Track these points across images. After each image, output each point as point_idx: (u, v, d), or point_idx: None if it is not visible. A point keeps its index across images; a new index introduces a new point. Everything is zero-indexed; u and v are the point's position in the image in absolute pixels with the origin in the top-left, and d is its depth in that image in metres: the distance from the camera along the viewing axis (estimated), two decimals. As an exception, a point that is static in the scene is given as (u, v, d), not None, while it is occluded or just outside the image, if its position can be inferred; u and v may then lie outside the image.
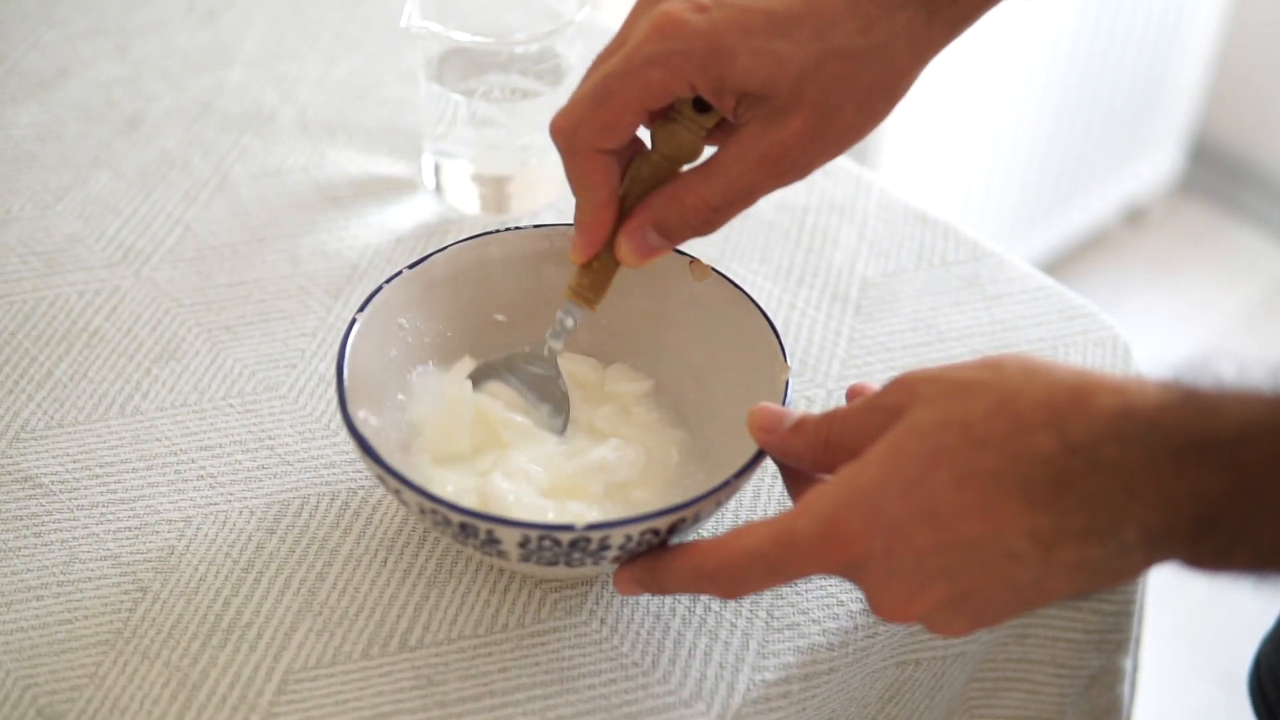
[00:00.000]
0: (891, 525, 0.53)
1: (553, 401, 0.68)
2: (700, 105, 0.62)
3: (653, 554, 0.60)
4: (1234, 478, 0.48)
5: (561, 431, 0.68)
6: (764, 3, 0.59)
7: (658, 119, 0.63)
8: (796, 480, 0.62)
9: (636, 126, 0.62)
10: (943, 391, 0.54)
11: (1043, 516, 0.51)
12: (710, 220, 0.63)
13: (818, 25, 0.59)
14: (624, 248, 0.64)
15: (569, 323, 0.67)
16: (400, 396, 0.68)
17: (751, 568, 0.56)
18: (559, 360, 0.68)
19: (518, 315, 0.71)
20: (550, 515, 0.64)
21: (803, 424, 0.60)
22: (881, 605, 0.55)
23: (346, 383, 0.63)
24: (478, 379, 0.68)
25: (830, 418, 0.59)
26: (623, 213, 0.64)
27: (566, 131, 0.61)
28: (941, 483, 0.52)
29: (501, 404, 0.68)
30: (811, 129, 0.60)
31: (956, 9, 0.62)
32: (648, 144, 0.64)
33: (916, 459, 0.53)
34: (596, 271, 0.65)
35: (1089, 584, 0.52)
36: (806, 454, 0.59)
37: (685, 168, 0.63)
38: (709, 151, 0.63)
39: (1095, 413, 0.50)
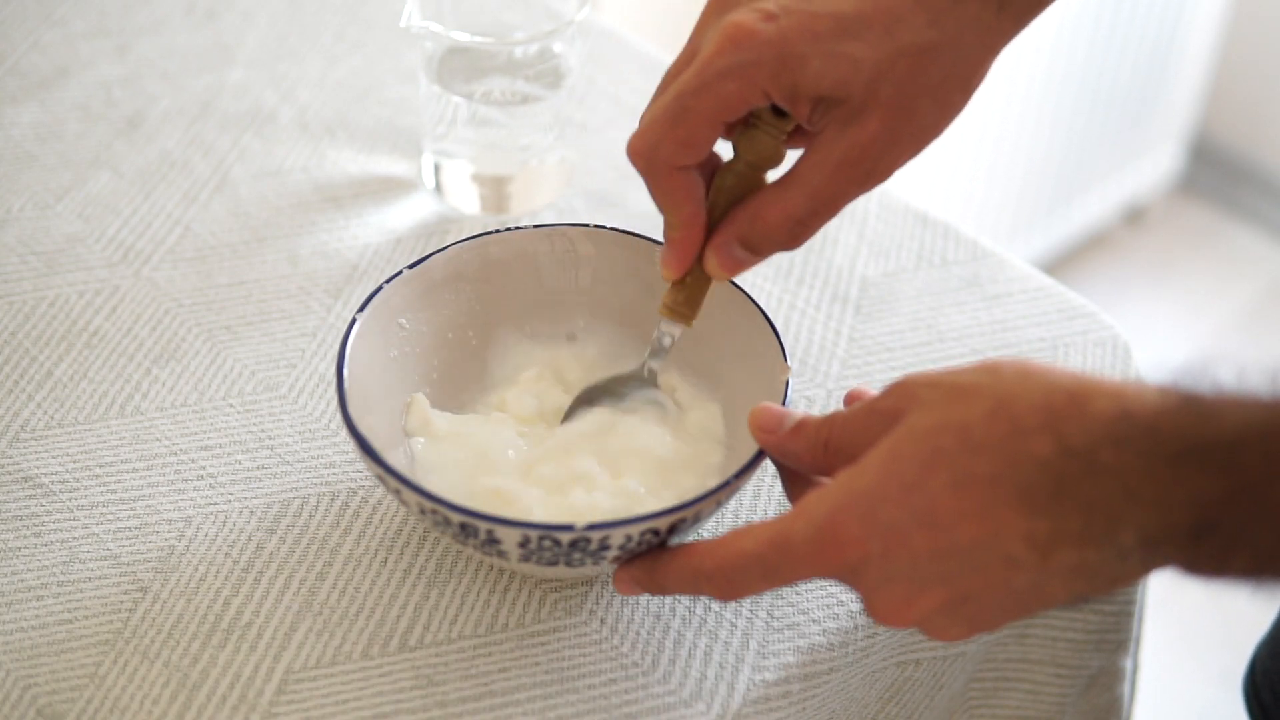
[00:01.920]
0: (888, 529, 0.53)
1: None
2: (779, 110, 0.61)
3: (652, 554, 0.60)
4: (1232, 482, 0.48)
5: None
6: (832, 5, 0.59)
7: (737, 127, 0.62)
8: (795, 483, 0.62)
9: (715, 140, 0.61)
10: (941, 396, 0.54)
11: (1040, 520, 0.51)
12: (795, 234, 0.62)
13: (887, 23, 0.58)
14: (711, 262, 0.63)
15: (667, 341, 0.67)
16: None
17: (748, 570, 0.56)
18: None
19: (518, 315, 0.71)
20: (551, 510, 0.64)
21: (803, 426, 0.60)
22: (878, 609, 0.55)
23: (346, 383, 0.63)
24: (579, 404, 0.68)
25: (830, 420, 0.59)
26: (710, 223, 0.63)
27: (645, 153, 0.61)
28: (939, 486, 0.52)
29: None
30: (888, 129, 0.60)
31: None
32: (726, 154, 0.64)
33: (914, 463, 0.53)
34: (690, 287, 0.65)
35: (1087, 589, 0.52)
36: (806, 456, 0.59)
37: (770, 174, 0.63)
38: (794, 156, 0.62)
39: (1093, 417, 0.50)
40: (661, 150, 0.60)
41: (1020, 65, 1.75)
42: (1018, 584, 0.52)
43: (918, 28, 0.59)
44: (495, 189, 0.84)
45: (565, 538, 0.58)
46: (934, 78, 0.60)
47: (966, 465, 0.52)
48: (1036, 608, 0.54)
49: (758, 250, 0.63)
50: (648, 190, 0.62)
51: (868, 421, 0.56)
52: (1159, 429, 0.49)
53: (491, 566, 0.67)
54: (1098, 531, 0.50)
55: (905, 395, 0.55)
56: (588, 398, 0.68)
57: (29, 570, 0.66)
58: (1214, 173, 2.22)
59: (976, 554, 0.52)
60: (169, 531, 0.68)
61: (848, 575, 0.55)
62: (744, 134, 0.62)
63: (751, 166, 0.62)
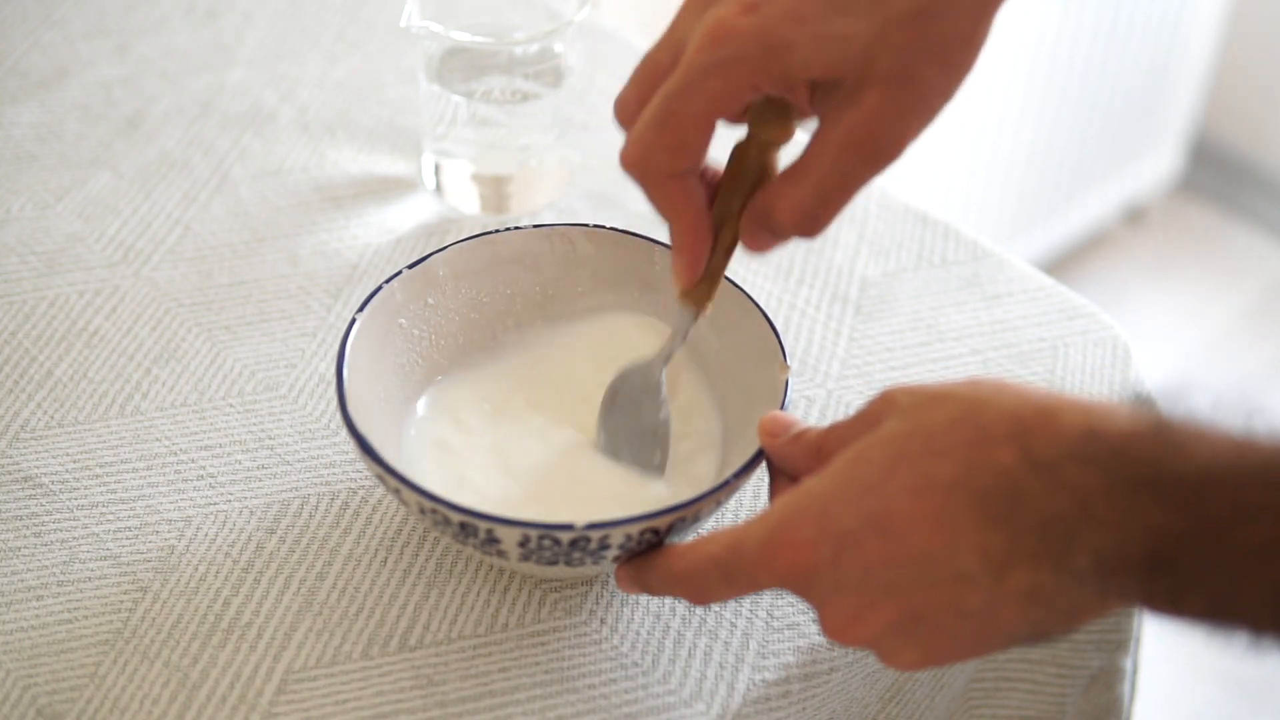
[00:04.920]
0: (841, 533, 0.52)
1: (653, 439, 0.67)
2: None
3: (647, 554, 0.60)
4: (1191, 521, 0.47)
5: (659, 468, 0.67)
6: None
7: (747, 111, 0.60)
8: (779, 489, 0.61)
9: (708, 141, 0.59)
10: (915, 403, 0.53)
11: (995, 534, 0.50)
12: (809, 225, 0.59)
13: None
14: (746, 243, 0.61)
15: (689, 329, 0.65)
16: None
17: (709, 573, 0.56)
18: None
19: (518, 315, 0.71)
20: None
21: (805, 433, 0.60)
22: (829, 622, 0.54)
23: (346, 383, 0.63)
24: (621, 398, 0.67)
25: (829, 428, 0.58)
26: (739, 204, 0.61)
27: (637, 161, 0.59)
28: (896, 490, 0.51)
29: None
30: (891, 101, 0.56)
31: None
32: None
33: (876, 467, 0.52)
34: (708, 276, 0.63)
35: (1043, 619, 0.51)
36: (801, 461, 0.59)
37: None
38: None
39: (1061, 432, 0.49)
40: (653, 158, 0.59)
41: (1020, 65, 1.75)
42: (970, 605, 0.51)
43: None
44: (495, 189, 0.84)
45: (565, 537, 0.58)
46: (933, 40, 0.56)
47: (927, 469, 0.51)
48: (993, 639, 0.52)
49: (781, 237, 0.61)
50: (646, 199, 0.61)
51: (853, 427, 0.56)
52: (1125, 452, 0.48)
53: (491, 566, 0.67)
54: (1053, 551, 0.49)
55: (885, 402, 0.55)
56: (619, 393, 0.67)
57: (29, 570, 0.66)
58: (1214, 173, 2.22)
59: (929, 567, 0.51)
60: (169, 531, 0.68)
61: (799, 584, 0.54)
62: (754, 111, 0.60)
63: (764, 145, 0.61)
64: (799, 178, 0.59)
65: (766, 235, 0.61)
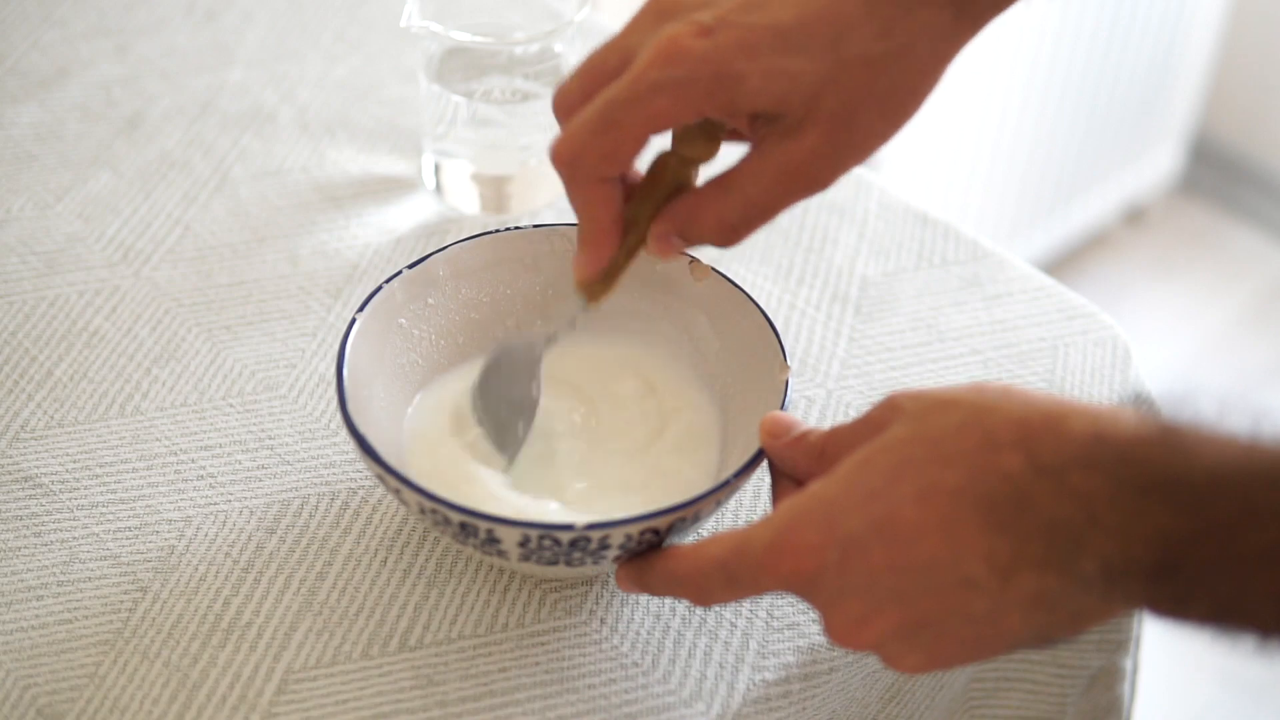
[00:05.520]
0: (847, 538, 0.52)
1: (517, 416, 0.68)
2: None
3: (646, 554, 0.60)
4: (1198, 524, 0.47)
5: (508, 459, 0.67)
6: (772, 16, 0.57)
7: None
8: (781, 490, 0.61)
9: (640, 152, 0.60)
10: (921, 408, 0.53)
11: (1001, 539, 0.50)
12: (729, 238, 0.62)
13: (832, 35, 0.57)
14: (651, 246, 0.63)
15: (578, 320, 0.66)
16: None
17: (713, 576, 0.56)
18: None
19: (518, 315, 0.71)
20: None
21: (807, 435, 0.60)
22: (834, 626, 0.54)
23: (346, 383, 0.63)
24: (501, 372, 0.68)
25: (832, 432, 0.58)
26: (650, 211, 0.63)
27: (569, 160, 0.60)
28: (902, 496, 0.51)
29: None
30: (829, 142, 0.58)
31: (985, 1, 0.59)
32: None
33: (882, 472, 0.52)
34: (608, 273, 0.65)
35: (1047, 623, 0.51)
36: (802, 463, 0.59)
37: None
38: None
39: (1067, 437, 0.49)
40: (586, 159, 0.60)
41: (1021, 66, 1.75)
42: (976, 610, 0.51)
43: (866, 39, 0.57)
44: (495, 189, 0.84)
45: (565, 537, 0.58)
46: (881, 89, 0.58)
47: (933, 475, 0.51)
48: (997, 644, 0.52)
49: (693, 243, 0.63)
50: (566, 193, 0.62)
51: (856, 432, 0.56)
52: (1131, 456, 0.48)
53: (491, 566, 0.67)
54: (1059, 556, 0.49)
55: (891, 407, 0.55)
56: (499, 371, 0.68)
57: (29, 570, 0.66)
58: (1214, 173, 2.22)
59: (935, 573, 0.51)
60: (169, 531, 0.68)
61: (804, 587, 0.54)
62: (683, 129, 0.62)
63: (685, 161, 0.63)
64: (726, 193, 0.60)
65: (677, 242, 0.63)
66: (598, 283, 0.65)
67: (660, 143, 0.63)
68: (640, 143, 0.59)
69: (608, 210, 0.62)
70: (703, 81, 0.57)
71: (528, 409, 0.67)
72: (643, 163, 0.64)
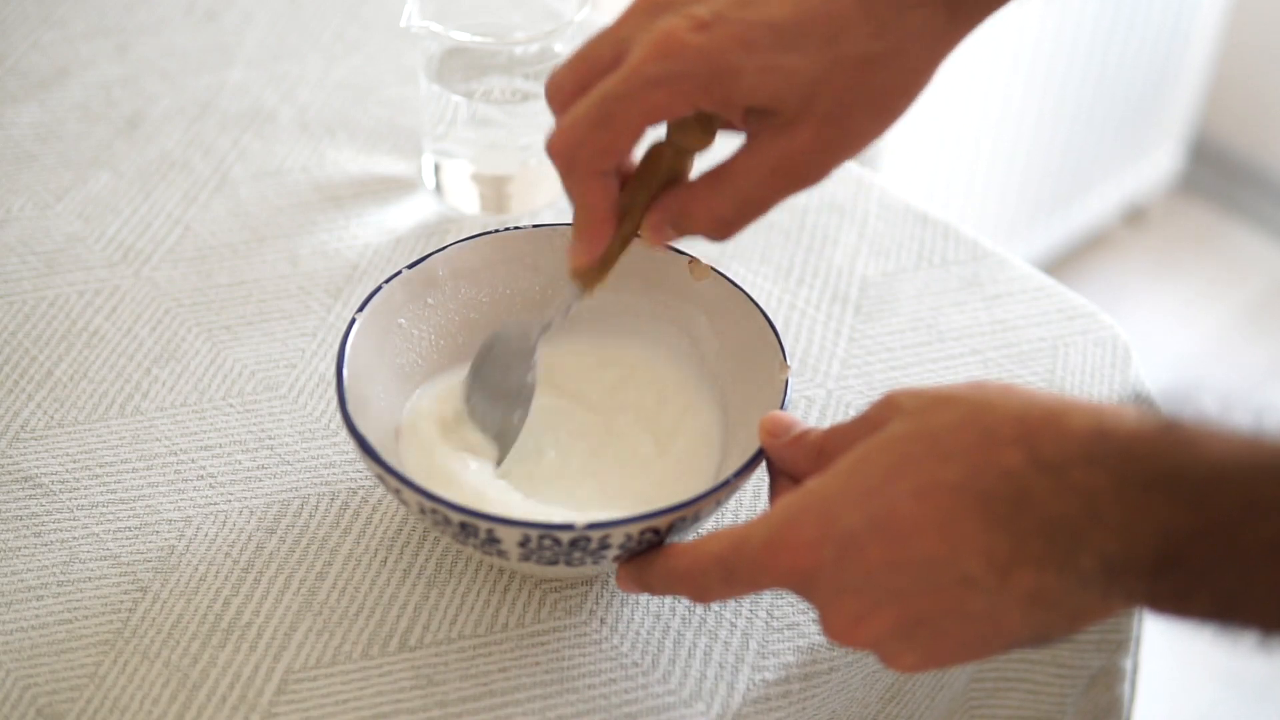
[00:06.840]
0: (844, 535, 0.52)
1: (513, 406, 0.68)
2: None
3: (646, 553, 0.60)
4: (1201, 518, 0.47)
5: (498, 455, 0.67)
6: (768, 13, 0.58)
7: None
8: (779, 488, 0.61)
9: (635, 145, 0.61)
10: (920, 405, 0.53)
11: (1000, 537, 0.49)
12: (722, 231, 0.62)
13: (828, 33, 0.58)
14: (645, 236, 0.64)
15: (573, 309, 0.66)
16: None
17: (711, 572, 0.56)
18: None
19: (518, 315, 0.71)
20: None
21: (806, 434, 0.60)
22: (831, 624, 0.54)
23: (346, 383, 0.63)
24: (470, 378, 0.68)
25: (830, 430, 0.58)
26: (645, 200, 0.63)
27: (564, 153, 0.61)
28: (900, 493, 0.51)
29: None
30: (822, 139, 0.59)
31: (978, 2, 0.60)
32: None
33: (880, 468, 0.52)
34: (603, 260, 0.65)
35: (1046, 621, 0.51)
36: (802, 462, 0.59)
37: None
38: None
39: (1068, 433, 0.49)
40: (582, 153, 0.60)
41: (1021, 65, 1.75)
42: (974, 608, 0.51)
43: (861, 38, 0.58)
44: (495, 189, 0.84)
45: (565, 537, 0.58)
46: (874, 88, 0.59)
47: (932, 472, 0.51)
48: (995, 643, 0.52)
49: (687, 235, 0.63)
50: (563, 185, 0.62)
51: (856, 430, 0.56)
52: (1133, 452, 0.48)
53: (491, 566, 0.67)
54: (1059, 553, 0.49)
55: (889, 405, 0.55)
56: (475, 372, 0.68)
57: (29, 570, 0.66)
58: (1214, 173, 2.22)
59: (933, 571, 0.51)
60: (169, 531, 0.68)
61: (802, 584, 0.54)
62: (678, 121, 0.62)
63: (681, 151, 0.63)
64: (720, 187, 0.61)
65: (671, 232, 0.63)
66: (592, 271, 0.65)
67: (655, 131, 0.63)
68: (636, 136, 0.60)
69: (604, 200, 0.62)
70: (699, 76, 0.58)
71: (523, 397, 0.67)
72: (637, 152, 0.64)
